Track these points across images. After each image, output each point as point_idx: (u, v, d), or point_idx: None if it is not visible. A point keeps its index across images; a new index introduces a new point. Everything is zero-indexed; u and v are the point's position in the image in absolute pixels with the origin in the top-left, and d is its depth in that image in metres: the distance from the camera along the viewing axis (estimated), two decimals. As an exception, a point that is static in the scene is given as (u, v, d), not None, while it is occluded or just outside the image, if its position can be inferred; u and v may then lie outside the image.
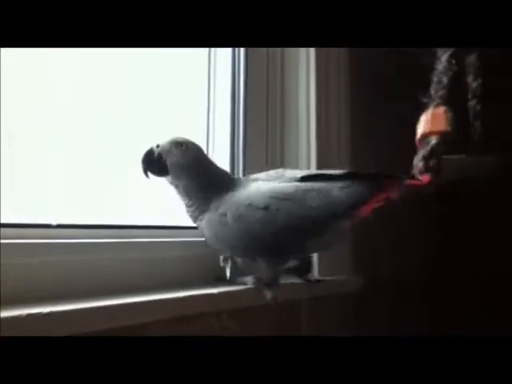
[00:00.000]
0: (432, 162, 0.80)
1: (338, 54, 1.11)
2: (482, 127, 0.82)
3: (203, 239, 0.83)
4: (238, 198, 0.73)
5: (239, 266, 0.80)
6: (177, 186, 0.77)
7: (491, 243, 1.32)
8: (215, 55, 1.03)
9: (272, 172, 0.80)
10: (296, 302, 0.95)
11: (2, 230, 0.61)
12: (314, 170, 0.79)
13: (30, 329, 0.51)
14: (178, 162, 0.74)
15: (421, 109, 0.87)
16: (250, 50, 1.04)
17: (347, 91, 1.13)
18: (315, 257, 0.97)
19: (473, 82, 0.84)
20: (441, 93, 0.84)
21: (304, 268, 0.86)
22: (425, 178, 0.76)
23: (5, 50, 0.67)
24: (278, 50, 1.10)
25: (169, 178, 0.76)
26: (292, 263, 0.84)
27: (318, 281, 0.89)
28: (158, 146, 0.75)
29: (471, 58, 0.84)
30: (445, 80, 0.84)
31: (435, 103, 0.84)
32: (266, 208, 0.70)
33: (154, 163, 0.75)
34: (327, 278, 0.98)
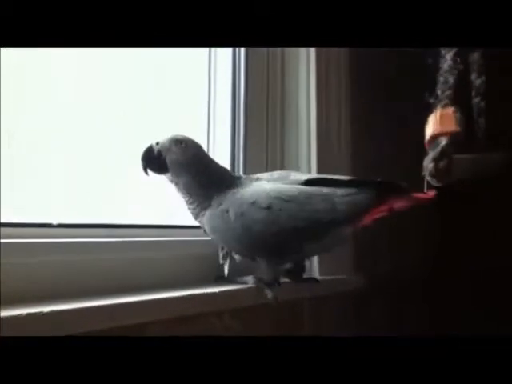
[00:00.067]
0: (442, 164, 0.80)
1: (338, 54, 1.11)
2: (487, 124, 0.82)
3: (203, 238, 0.83)
4: (241, 195, 0.73)
5: (237, 263, 0.80)
6: (177, 184, 0.77)
7: (491, 243, 1.32)
8: (216, 55, 1.03)
9: (276, 173, 0.81)
10: (297, 302, 0.95)
11: (2, 229, 0.61)
12: (319, 175, 0.79)
13: (31, 328, 0.51)
14: (177, 160, 0.74)
15: (422, 109, 0.87)
16: (251, 49, 1.04)
17: (347, 91, 1.13)
18: (316, 256, 0.97)
19: (477, 80, 0.83)
20: (448, 93, 0.84)
21: (297, 270, 0.85)
22: (429, 194, 0.75)
23: (5, 50, 0.67)
24: (279, 49, 1.10)
25: (168, 175, 0.76)
26: (286, 266, 0.84)
27: (313, 279, 0.89)
28: (157, 144, 0.75)
29: (475, 56, 0.83)
30: (451, 79, 0.84)
31: (443, 103, 0.84)
32: (268, 208, 0.70)
33: (153, 160, 0.75)
34: (328, 278, 0.98)
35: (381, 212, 0.74)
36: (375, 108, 1.27)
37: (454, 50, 0.84)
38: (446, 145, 0.81)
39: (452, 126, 0.82)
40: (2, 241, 0.59)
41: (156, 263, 0.76)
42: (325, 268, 0.99)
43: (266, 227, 0.70)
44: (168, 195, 0.82)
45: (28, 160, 0.73)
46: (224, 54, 1.03)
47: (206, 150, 0.82)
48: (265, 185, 0.75)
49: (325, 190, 0.72)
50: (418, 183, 0.96)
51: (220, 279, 0.80)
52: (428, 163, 0.83)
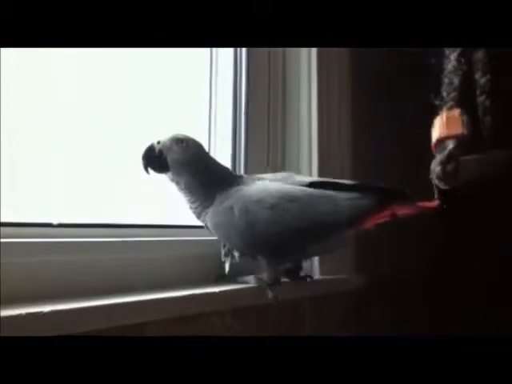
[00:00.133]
0: (450, 167, 0.80)
1: (340, 54, 1.11)
2: (492, 123, 0.82)
3: (204, 238, 0.83)
4: (245, 193, 0.74)
5: (238, 261, 0.80)
6: (178, 183, 0.77)
7: (491, 243, 1.32)
8: (217, 55, 1.03)
9: (279, 174, 0.81)
10: (297, 302, 0.95)
11: (3, 229, 0.61)
12: (322, 178, 0.79)
13: (30, 328, 0.51)
14: (178, 159, 0.75)
15: (423, 109, 0.87)
16: (252, 49, 1.04)
17: (348, 91, 1.13)
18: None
19: (481, 79, 0.83)
20: (453, 94, 0.83)
21: (295, 269, 0.86)
22: (433, 203, 0.75)
23: (5, 50, 0.67)
24: (280, 49, 1.10)
25: (169, 174, 0.76)
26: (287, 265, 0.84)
27: (309, 276, 0.89)
28: (158, 143, 0.75)
29: (479, 55, 0.83)
30: (456, 81, 0.83)
31: (448, 105, 0.84)
32: (272, 207, 0.71)
33: (154, 160, 0.75)
34: (328, 277, 0.98)
35: (383, 218, 0.74)
36: (376, 108, 1.26)
37: (458, 50, 0.83)
38: (453, 148, 0.81)
39: (459, 129, 0.81)
40: (3, 240, 0.59)
41: (156, 263, 0.76)
42: (326, 268, 0.99)
43: (269, 226, 0.71)
44: (168, 195, 0.82)
45: (28, 160, 0.73)
46: (225, 54, 1.03)
47: (207, 149, 0.82)
48: (269, 184, 0.76)
49: (328, 192, 0.72)
50: (418, 183, 0.96)
51: (220, 279, 0.80)
52: (435, 166, 0.82)
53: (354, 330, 1.07)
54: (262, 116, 1.05)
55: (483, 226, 1.34)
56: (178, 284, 0.74)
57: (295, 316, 0.96)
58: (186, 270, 0.79)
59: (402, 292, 1.24)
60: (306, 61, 1.07)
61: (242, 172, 0.99)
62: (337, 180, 0.77)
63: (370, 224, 0.74)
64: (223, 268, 0.81)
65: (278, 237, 0.71)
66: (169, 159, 0.75)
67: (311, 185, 0.75)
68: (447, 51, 0.85)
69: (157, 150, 0.75)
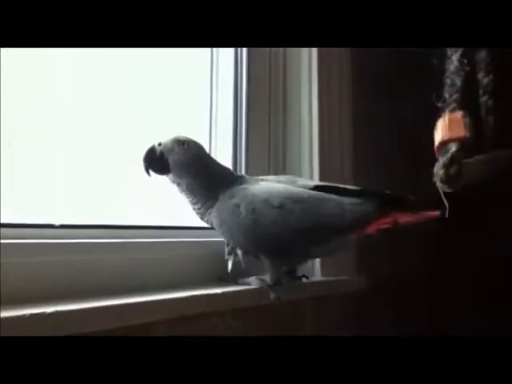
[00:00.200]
0: (453, 170, 0.80)
1: (340, 54, 1.11)
2: (495, 123, 0.81)
3: (206, 240, 0.83)
4: (252, 191, 0.74)
5: (241, 260, 0.80)
6: (179, 185, 0.77)
7: (491, 243, 1.32)
8: (218, 55, 1.03)
9: (282, 177, 0.81)
10: (298, 302, 0.95)
11: (4, 229, 0.61)
12: (326, 182, 0.80)
13: (33, 329, 0.51)
14: (179, 160, 0.75)
15: (423, 109, 0.87)
16: (253, 49, 1.04)
17: (349, 90, 1.13)
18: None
19: (484, 78, 0.82)
20: (455, 96, 0.83)
21: (292, 270, 0.86)
22: (435, 213, 0.74)
23: (5, 50, 0.66)
24: (281, 49, 1.09)
25: (170, 176, 0.76)
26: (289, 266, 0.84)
27: (304, 276, 0.89)
28: (159, 145, 0.75)
29: (482, 54, 0.83)
30: (458, 82, 0.83)
31: (451, 107, 0.83)
32: (280, 207, 0.71)
33: (155, 161, 0.75)
34: (330, 278, 0.98)
35: (385, 224, 0.74)
36: (376, 108, 1.26)
37: (460, 50, 0.83)
38: (456, 151, 0.80)
39: (461, 132, 0.81)
40: (5, 241, 0.59)
41: (159, 264, 0.76)
42: (327, 269, 0.99)
43: (275, 226, 0.71)
44: (169, 195, 0.82)
45: (28, 160, 0.73)
46: (226, 54, 1.03)
47: (208, 150, 0.82)
48: (275, 184, 0.76)
49: (333, 196, 0.73)
50: (417, 183, 0.96)
51: (222, 280, 0.80)
52: (438, 169, 0.82)
53: (354, 330, 1.07)
54: (263, 116, 1.05)
55: (483, 226, 1.34)
56: (180, 285, 0.74)
57: (296, 317, 0.96)
58: (188, 270, 0.79)
59: (402, 292, 1.24)
60: (307, 61, 1.07)
61: (244, 172, 0.99)
62: (341, 185, 0.77)
63: (372, 229, 0.74)
64: (225, 268, 0.81)
65: (283, 237, 0.72)
66: (170, 161, 0.75)
67: (315, 188, 0.75)
68: (449, 52, 0.85)
69: (158, 152, 0.75)
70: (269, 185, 0.76)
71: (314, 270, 1.00)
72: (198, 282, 0.78)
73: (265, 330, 0.85)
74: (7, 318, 0.50)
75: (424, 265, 1.35)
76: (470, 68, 0.83)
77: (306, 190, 0.75)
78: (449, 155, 0.81)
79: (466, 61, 0.83)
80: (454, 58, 0.83)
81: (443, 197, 0.83)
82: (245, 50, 1.03)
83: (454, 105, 0.83)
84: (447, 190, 0.84)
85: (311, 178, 1.03)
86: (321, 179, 1.01)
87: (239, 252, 0.78)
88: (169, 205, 0.87)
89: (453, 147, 0.81)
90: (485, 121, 0.82)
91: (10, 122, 0.68)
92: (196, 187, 0.76)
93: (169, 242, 0.80)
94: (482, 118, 0.83)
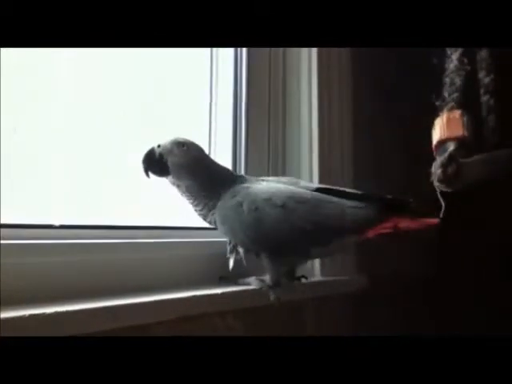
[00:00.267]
0: (451, 169, 0.80)
1: (340, 54, 1.11)
2: (497, 122, 0.81)
3: (207, 240, 0.83)
4: (255, 190, 0.74)
5: (242, 258, 0.79)
6: (179, 187, 0.77)
7: (492, 243, 1.32)
8: (217, 55, 1.03)
9: (283, 178, 0.82)
10: (299, 303, 0.95)
11: (4, 230, 0.61)
12: (328, 185, 0.80)
13: (33, 329, 0.51)
14: (179, 162, 0.75)
15: (426, 109, 0.87)
16: (252, 49, 1.03)
17: (349, 90, 1.13)
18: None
19: (485, 78, 0.82)
20: (455, 95, 0.83)
21: (291, 270, 0.86)
22: (434, 220, 0.74)
23: (5, 50, 0.66)
24: (280, 49, 1.09)
25: (170, 178, 0.76)
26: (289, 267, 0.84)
27: (304, 277, 0.89)
28: (159, 146, 0.75)
29: (483, 54, 0.82)
30: (458, 81, 0.83)
31: (449, 106, 0.83)
32: (283, 206, 0.71)
33: (155, 163, 0.75)
34: (330, 279, 0.98)
35: (385, 229, 0.74)
36: (376, 108, 1.26)
37: (460, 50, 0.83)
38: (454, 150, 0.80)
39: (459, 131, 0.80)
40: (5, 242, 0.59)
41: (159, 264, 0.76)
42: (327, 269, 0.99)
43: (278, 225, 0.71)
44: (170, 196, 0.81)
45: (28, 160, 0.73)
46: (226, 54, 1.03)
47: (207, 150, 0.82)
48: (278, 184, 0.77)
49: (334, 198, 0.74)
50: (417, 183, 0.96)
51: (223, 280, 0.80)
52: (436, 169, 0.82)
53: (356, 331, 1.07)
54: (263, 116, 1.05)
55: (483, 225, 1.34)
56: (180, 285, 0.74)
57: (297, 317, 0.96)
58: (188, 270, 0.79)
59: (402, 292, 1.24)
60: (307, 61, 1.07)
61: (243, 173, 0.99)
62: (342, 188, 0.78)
63: (372, 233, 0.74)
64: (226, 269, 0.81)
65: (284, 236, 0.72)
66: (169, 163, 0.75)
67: (316, 191, 0.76)
68: (449, 51, 0.84)
69: (157, 154, 0.75)
70: (271, 184, 0.77)
71: (314, 270, 1.00)
72: (199, 282, 0.78)
73: (265, 330, 0.85)
74: (7, 319, 0.49)
75: (424, 265, 1.35)
76: (470, 67, 0.82)
77: (309, 191, 0.75)
78: (447, 154, 0.81)
79: (466, 60, 0.82)
80: (454, 57, 0.83)
81: (440, 196, 0.83)
82: (244, 50, 1.03)
83: (453, 104, 0.82)
84: (445, 190, 0.83)
85: (311, 177, 1.03)
86: (320, 180, 1.01)
87: (241, 250, 0.78)
88: (169, 205, 0.87)
89: (451, 146, 0.81)
90: (486, 121, 0.82)
91: (10, 122, 0.68)
92: (196, 189, 0.76)
93: (169, 242, 0.80)
94: (482, 117, 0.82)
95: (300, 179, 0.86)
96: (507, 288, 1.25)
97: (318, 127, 1.04)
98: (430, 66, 0.88)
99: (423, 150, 0.91)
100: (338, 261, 1.00)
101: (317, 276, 0.99)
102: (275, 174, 1.03)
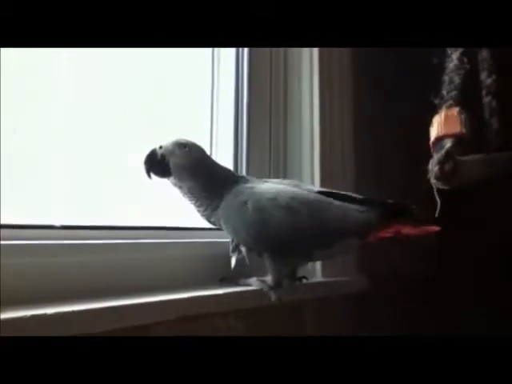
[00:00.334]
0: (447, 166, 0.79)
1: (341, 54, 1.11)
2: (499, 124, 0.81)
3: (208, 240, 0.83)
4: (259, 190, 0.74)
5: (245, 257, 0.79)
6: (181, 188, 0.77)
7: (492, 243, 1.32)
8: (219, 55, 1.02)
9: (286, 181, 0.82)
10: (300, 303, 0.95)
11: (4, 230, 0.61)
12: (330, 189, 0.80)
13: (34, 330, 0.51)
14: (180, 163, 0.75)
15: (426, 109, 0.86)
16: (254, 49, 1.03)
17: (350, 90, 1.13)
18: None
19: (487, 79, 0.82)
20: (453, 93, 0.82)
21: (292, 271, 0.86)
22: (435, 227, 0.74)
23: (5, 50, 0.66)
24: (282, 49, 1.09)
25: (172, 179, 0.76)
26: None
27: (305, 278, 0.89)
28: (160, 147, 0.75)
29: (484, 55, 0.82)
30: (457, 79, 0.82)
31: (447, 104, 0.83)
32: (287, 206, 0.71)
33: (156, 164, 0.75)
34: (331, 279, 0.98)
35: (387, 234, 0.74)
36: (376, 108, 1.26)
37: (460, 49, 0.82)
38: (451, 147, 0.80)
39: (457, 128, 0.80)
40: (5, 242, 0.59)
41: (161, 264, 0.76)
42: (328, 270, 0.99)
43: (282, 225, 0.71)
44: (171, 196, 0.81)
45: (28, 160, 0.73)
46: (227, 54, 1.02)
47: (208, 150, 0.82)
48: (281, 185, 0.77)
49: (337, 202, 0.74)
50: (417, 183, 0.96)
51: (224, 281, 0.80)
52: (433, 166, 0.82)
53: (357, 331, 1.07)
54: (264, 117, 1.04)
55: (483, 225, 1.34)
56: (182, 285, 0.74)
57: (298, 318, 0.96)
58: (189, 271, 0.79)
59: (402, 292, 1.24)
60: (308, 61, 1.07)
61: (244, 173, 0.98)
62: (344, 192, 0.78)
63: (373, 238, 0.74)
64: (227, 269, 0.81)
65: (288, 236, 0.72)
66: (171, 164, 0.75)
67: (319, 193, 0.76)
68: (449, 50, 0.84)
69: (159, 155, 0.75)
70: (276, 185, 0.77)
71: (315, 270, 1.00)
72: (200, 282, 0.78)
73: (266, 330, 0.85)
74: (8, 320, 0.49)
75: (424, 265, 1.35)
76: (469, 66, 0.82)
77: (312, 193, 0.75)
78: (444, 151, 0.80)
79: (465, 59, 0.82)
80: (454, 56, 0.83)
81: (436, 194, 0.83)
82: (246, 50, 1.03)
83: (451, 101, 0.82)
84: (442, 187, 0.83)
85: (312, 177, 1.03)
86: (322, 180, 1.01)
87: (243, 249, 0.78)
88: (169, 205, 0.87)
89: (448, 143, 0.81)
90: (488, 122, 0.82)
91: (10, 122, 0.68)
92: (198, 190, 0.76)
93: (170, 242, 0.80)
94: (485, 119, 0.82)
95: (302, 182, 0.86)
96: (507, 288, 1.25)
97: (320, 127, 1.04)
98: (430, 66, 0.88)
99: (423, 149, 0.91)
100: (339, 262, 1.00)
101: (318, 277, 0.99)
102: (277, 174, 1.03)
